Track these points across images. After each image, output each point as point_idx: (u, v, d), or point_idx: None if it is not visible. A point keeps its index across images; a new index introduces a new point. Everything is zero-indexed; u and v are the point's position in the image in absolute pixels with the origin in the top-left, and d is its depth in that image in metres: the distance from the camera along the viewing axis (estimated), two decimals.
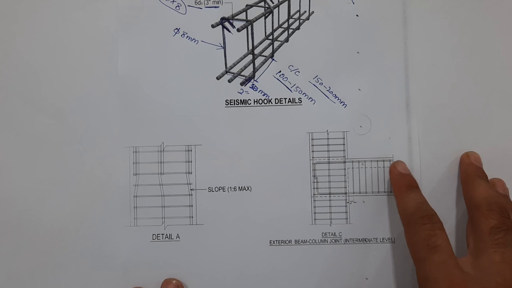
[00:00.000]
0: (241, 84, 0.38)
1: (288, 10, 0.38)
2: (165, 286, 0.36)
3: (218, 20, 0.38)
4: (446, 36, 0.38)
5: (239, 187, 0.38)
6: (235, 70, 0.38)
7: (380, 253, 0.37)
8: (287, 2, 0.38)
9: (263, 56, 0.38)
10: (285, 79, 0.38)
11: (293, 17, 0.38)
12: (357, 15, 0.38)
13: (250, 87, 0.38)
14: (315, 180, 0.38)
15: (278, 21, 0.39)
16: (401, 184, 0.36)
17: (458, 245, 0.37)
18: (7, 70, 0.39)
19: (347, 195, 0.38)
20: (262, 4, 0.38)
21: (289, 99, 0.38)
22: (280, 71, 0.38)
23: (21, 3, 0.39)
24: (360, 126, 0.38)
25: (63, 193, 0.38)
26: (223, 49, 0.38)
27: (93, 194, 0.38)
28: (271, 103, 0.38)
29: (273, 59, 0.38)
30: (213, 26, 0.38)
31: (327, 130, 0.38)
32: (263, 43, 0.38)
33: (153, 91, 0.38)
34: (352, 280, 0.37)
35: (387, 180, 0.37)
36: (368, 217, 0.37)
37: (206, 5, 0.39)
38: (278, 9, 0.39)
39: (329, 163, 0.38)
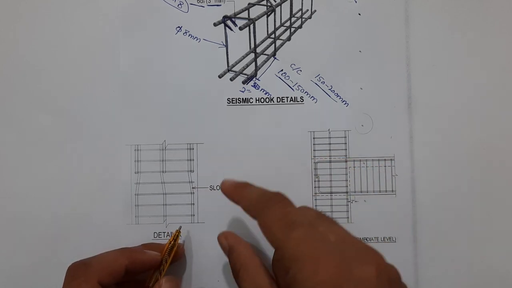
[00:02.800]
0: (243, 82, 0.38)
1: (290, 8, 0.38)
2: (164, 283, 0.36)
3: (220, 18, 0.38)
4: (448, 36, 0.38)
5: None
6: (237, 68, 0.38)
7: (381, 252, 0.37)
8: (289, 0, 0.38)
9: (265, 54, 0.38)
10: (287, 77, 0.38)
11: (295, 15, 0.38)
12: (359, 14, 0.38)
13: (252, 86, 0.38)
14: (317, 179, 0.38)
15: (280, 19, 0.39)
16: (233, 193, 0.33)
17: (458, 242, 0.37)
18: (9, 68, 0.39)
19: (349, 194, 0.38)
20: (264, 2, 0.38)
21: (291, 97, 0.38)
22: (282, 70, 0.38)
23: (23, 1, 0.39)
24: (362, 125, 0.38)
25: (64, 191, 0.38)
26: (225, 48, 0.38)
27: (95, 192, 0.38)
28: (273, 101, 0.38)
29: (275, 58, 0.38)
30: (215, 25, 0.38)
31: (328, 129, 0.38)
32: (265, 41, 0.38)
33: (155, 89, 0.38)
34: None
35: (388, 179, 0.37)
36: (369, 216, 0.37)
37: (208, 4, 0.38)
38: (280, 7, 0.39)
39: (330, 162, 0.38)
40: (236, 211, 0.37)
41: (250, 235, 0.37)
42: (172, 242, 0.35)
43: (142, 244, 0.36)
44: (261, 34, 0.38)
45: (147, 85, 0.38)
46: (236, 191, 0.33)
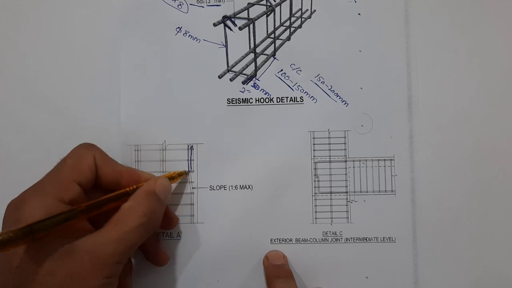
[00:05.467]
0: (243, 82, 0.38)
1: (290, 8, 0.38)
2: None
3: (220, 18, 0.38)
4: (448, 36, 0.38)
5: (240, 186, 0.38)
6: (237, 68, 0.38)
7: (380, 252, 0.37)
8: (289, 0, 0.38)
9: (265, 54, 0.38)
10: (287, 77, 0.38)
11: (295, 15, 0.38)
12: (359, 14, 0.38)
13: (251, 86, 0.38)
14: (316, 179, 0.38)
15: (280, 19, 0.39)
16: (273, 275, 0.36)
17: (458, 242, 0.37)
18: (9, 67, 0.39)
19: (348, 194, 0.38)
20: (264, 2, 0.38)
21: (291, 97, 0.38)
22: (281, 70, 0.38)
23: (23, 1, 0.39)
24: (362, 125, 0.38)
25: None
26: (225, 48, 0.38)
27: None
28: (273, 101, 0.38)
29: (275, 58, 0.38)
30: (215, 25, 0.38)
31: (328, 129, 0.38)
32: (265, 41, 0.38)
33: (155, 90, 0.38)
34: (352, 279, 0.37)
35: (388, 179, 0.37)
36: (369, 216, 0.37)
37: (208, 4, 0.38)
38: (280, 7, 0.38)
39: (330, 162, 0.38)
40: (236, 211, 0.38)
41: (250, 234, 0.37)
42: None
43: None
44: (260, 34, 0.38)
45: (147, 85, 0.38)
46: (273, 280, 0.35)
